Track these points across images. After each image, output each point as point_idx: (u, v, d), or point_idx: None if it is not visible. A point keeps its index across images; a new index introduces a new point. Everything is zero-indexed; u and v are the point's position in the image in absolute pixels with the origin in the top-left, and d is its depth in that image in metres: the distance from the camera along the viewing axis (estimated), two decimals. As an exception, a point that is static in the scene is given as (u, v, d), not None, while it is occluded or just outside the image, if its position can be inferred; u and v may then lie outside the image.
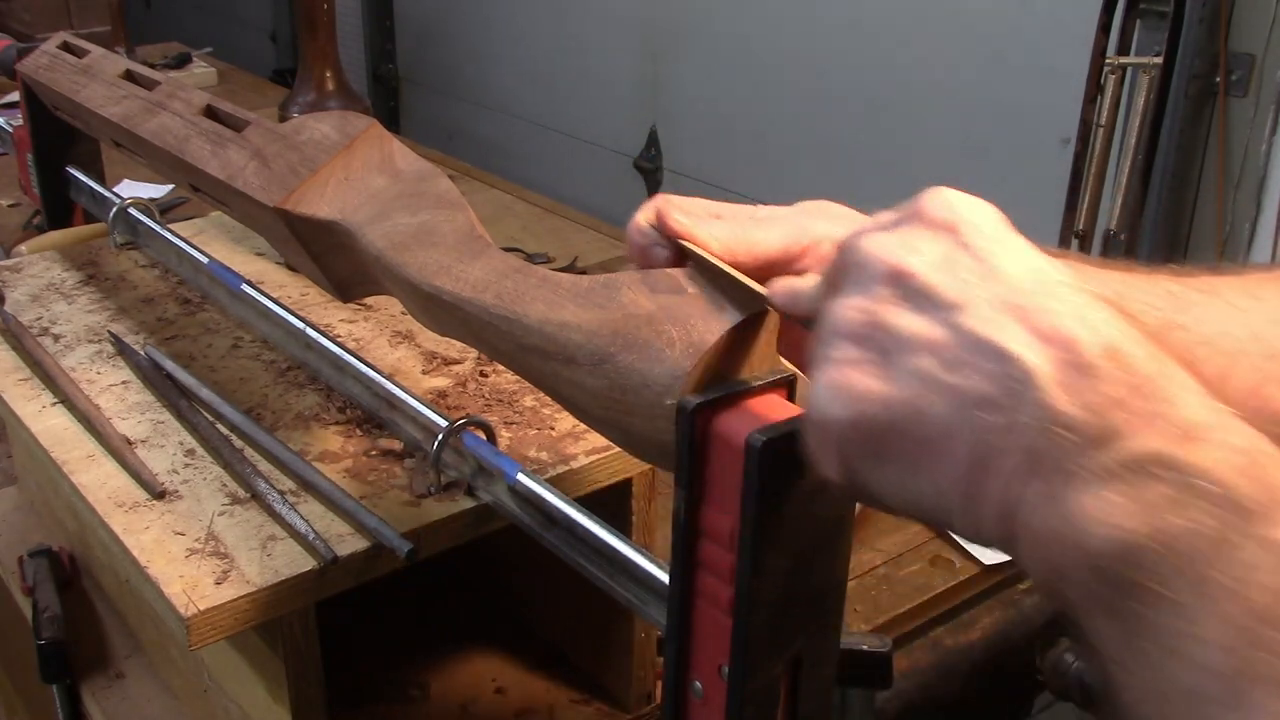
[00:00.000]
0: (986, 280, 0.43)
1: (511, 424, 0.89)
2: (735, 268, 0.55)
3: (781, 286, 0.52)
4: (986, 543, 0.43)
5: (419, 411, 0.83)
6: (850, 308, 0.45)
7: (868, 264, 0.45)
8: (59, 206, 1.37)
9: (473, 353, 1.00)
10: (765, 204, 0.60)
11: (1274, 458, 0.39)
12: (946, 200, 0.46)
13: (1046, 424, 0.40)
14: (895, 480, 0.44)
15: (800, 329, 0.52)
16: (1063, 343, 0.41)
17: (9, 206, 1.96)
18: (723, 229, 0.57)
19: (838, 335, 0.45)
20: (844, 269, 0.47)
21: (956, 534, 0.44)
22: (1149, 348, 0.41)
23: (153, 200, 1.26)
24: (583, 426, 0.84)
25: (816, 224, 0.56)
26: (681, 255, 0.57)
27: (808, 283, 0.51)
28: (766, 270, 0.55)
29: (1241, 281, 0.58)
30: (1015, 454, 0.41)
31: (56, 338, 1.04)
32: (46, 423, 0.92)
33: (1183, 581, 0.37)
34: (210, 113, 0.94)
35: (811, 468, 0.47)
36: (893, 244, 0.45)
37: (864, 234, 0.46)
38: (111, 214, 1.19)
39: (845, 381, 0.44)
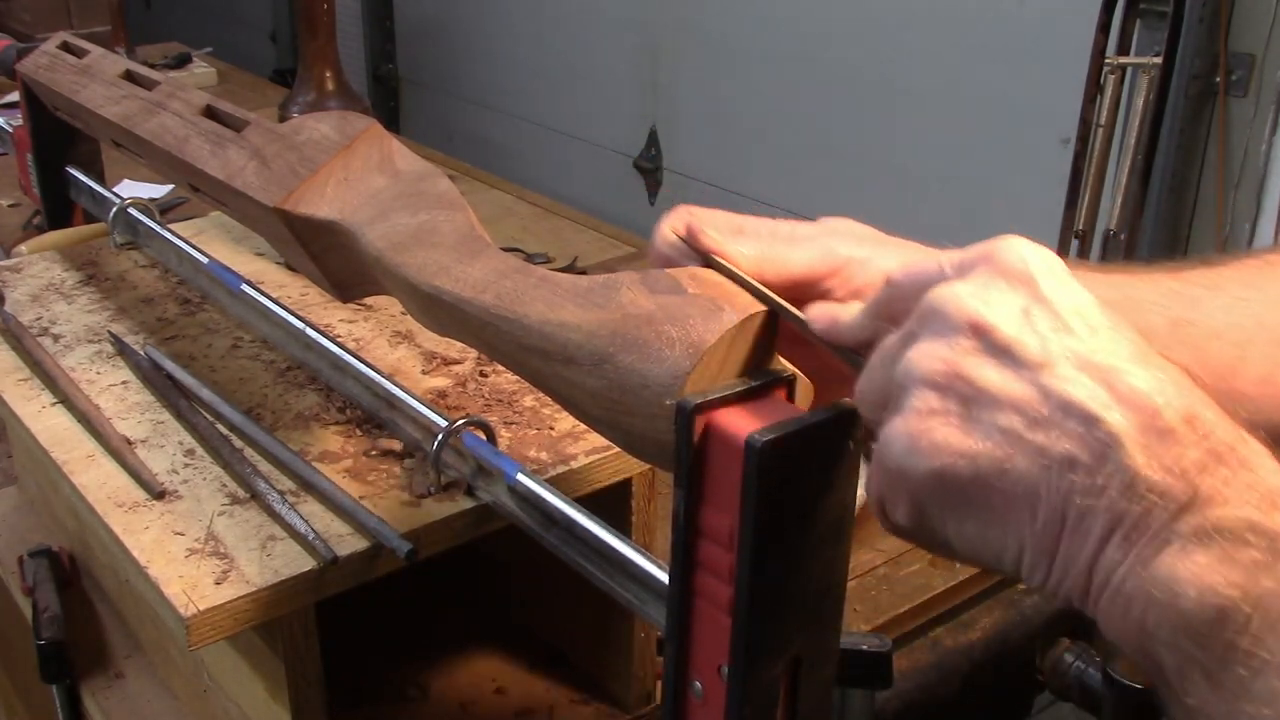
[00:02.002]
0: (1066, 337, 0.43)
1: (511, 424, 0.89)
2: (761, 280, 0.55)
3: (821, 313, 0.52)
4: (1062, 599, 0.43)
5: (419, 411, 0.83)
6: (931, 356, 0.45)
7: (948, 314, 0.45)
8: (59, 206, 1.37)
9: (473, 353, 1.00)
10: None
11: None
12: (1020, 251, 0.46)
13: (1134, 487, 0.40)
14: (970, 533, 0.44)
15: (830, 355, 0.52)
16: (1145, 407, 0.41)
17: (9, 206, 1.96)
18: (752, 247, 0.57)
19: (919, 383, 0.45)
20: (924, 316, 0.46)
21: (1026, 585, 0.45)
22: (1218, 412, 0.42)
23: (153, 200, 1.26)
24: (583, 426, 0.83)
25: (843, 245, 0.57)
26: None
27: (849, 312, 0.51)
28: (793, 290, 0.55)
29: (1240, 273, 0.59)
30: (1101, 516, 0.41)
31: (56, 338, 1.04)
32: (46, 423, 0.92)
33: (1278, 644, 0.38)
34: (210, 113, 0.94)
35: (876, 512, 0.47)
36: (973, 295, 0.45)
37: (942, 282, 0.46)
38: (111, 214, 1.19)
39: (927, 432, 0.44)
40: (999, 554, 0.44)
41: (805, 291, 0.56)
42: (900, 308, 0.48)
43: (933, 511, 0.45)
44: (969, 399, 0.44)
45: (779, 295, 0.55)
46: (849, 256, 0.56)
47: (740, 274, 0.56)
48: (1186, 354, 0.54)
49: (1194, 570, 0.39)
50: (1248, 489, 0.40)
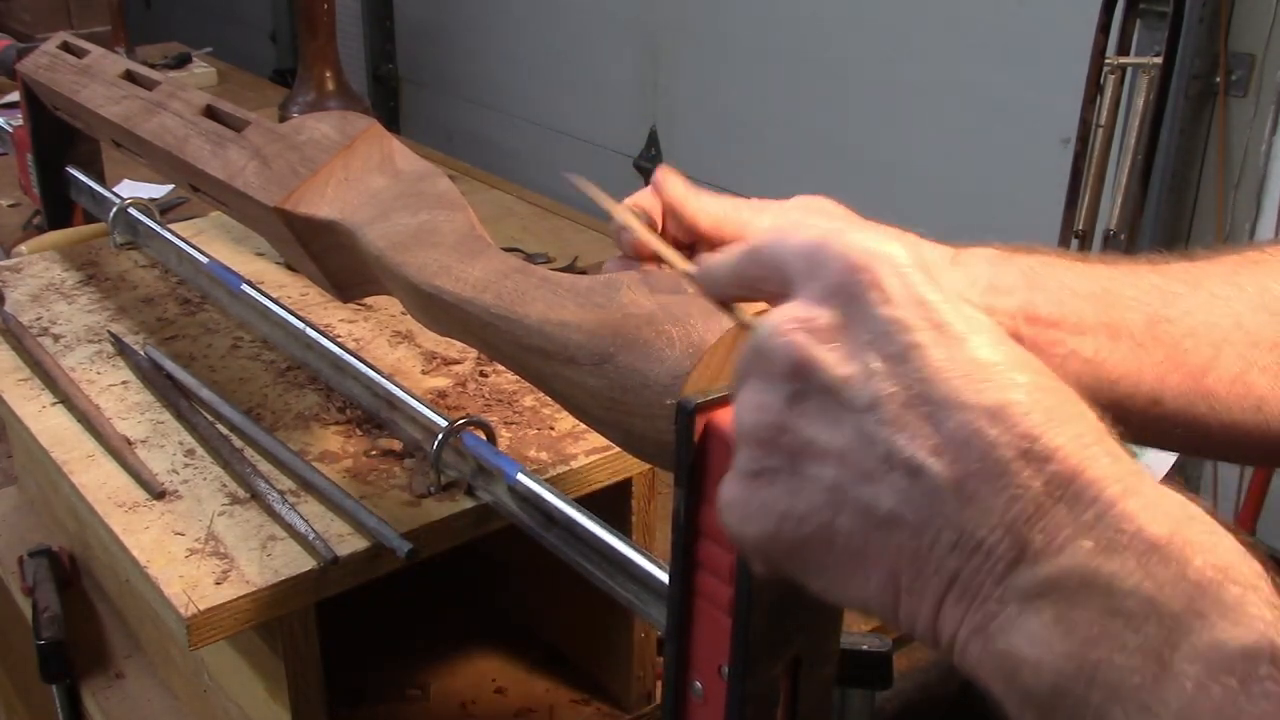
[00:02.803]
0: (896, 367, 0.39)
1: (511, 424, 0.89)
2: (723, 244, 0.53)
3: (703, 265, 0.49)
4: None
5: (419, 411, 0.83)
6: (753, 409, 0.42)
7: (768, 356, 0.42)
8: (59, 206, 1.37)
9: (473, 353, 1.00)
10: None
11: (1203, 537, 0.36)
12: (849, 261, 0.41)
13: (963, 545, 0.37)
14: (823, 589, 0.42)
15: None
16: (977, 449, 0.37)
17: (9, 206, 1.96)
18: (716, 204, 0.57)
19: (745, 440, 0.42)
20: (747, 357, 0.43)
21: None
22: (1076, 424, 0.38)
23: (153, 200, 1.26)
24: (583, 426, 0.83)
25: (810, 219, 0.57)
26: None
27: (718, 261, 0.47)
28: None
29: (1221, 269, 0.58)
30: (934, 578, 0.38)
31: (56, 338, 1.04)
32: (46, 423, 0.92)
33: (1125, 716, 0.34)
34: (210, 113, 0.94)
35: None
36: (793, 329, 0.41)
37: (764, 318, 0.43)
38: (111, 214, 1.19)
39: (755, 493, 0.42)
40: (853, 606, 0.42)
41: None
42: (761, 281, 0.45)
43: (782, 567, 0.42)
44: (796, 453, 0.41)
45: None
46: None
47: (638, 226, 0.56)
48: (1162, 351, 0.54)
49: (1026, 640, 0.36)
50: (1087, 529, 0.36)
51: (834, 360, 0.40)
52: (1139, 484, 0.37)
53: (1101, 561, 0.36)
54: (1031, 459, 0.37)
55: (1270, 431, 0.55)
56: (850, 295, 0.41)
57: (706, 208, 0.57)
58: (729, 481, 0.43)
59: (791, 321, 0.41)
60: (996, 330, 0.40)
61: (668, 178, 0.58)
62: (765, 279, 0.45)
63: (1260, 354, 0.55)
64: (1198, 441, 0.56)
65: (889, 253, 0.41)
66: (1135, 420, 0.54)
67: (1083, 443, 0.37)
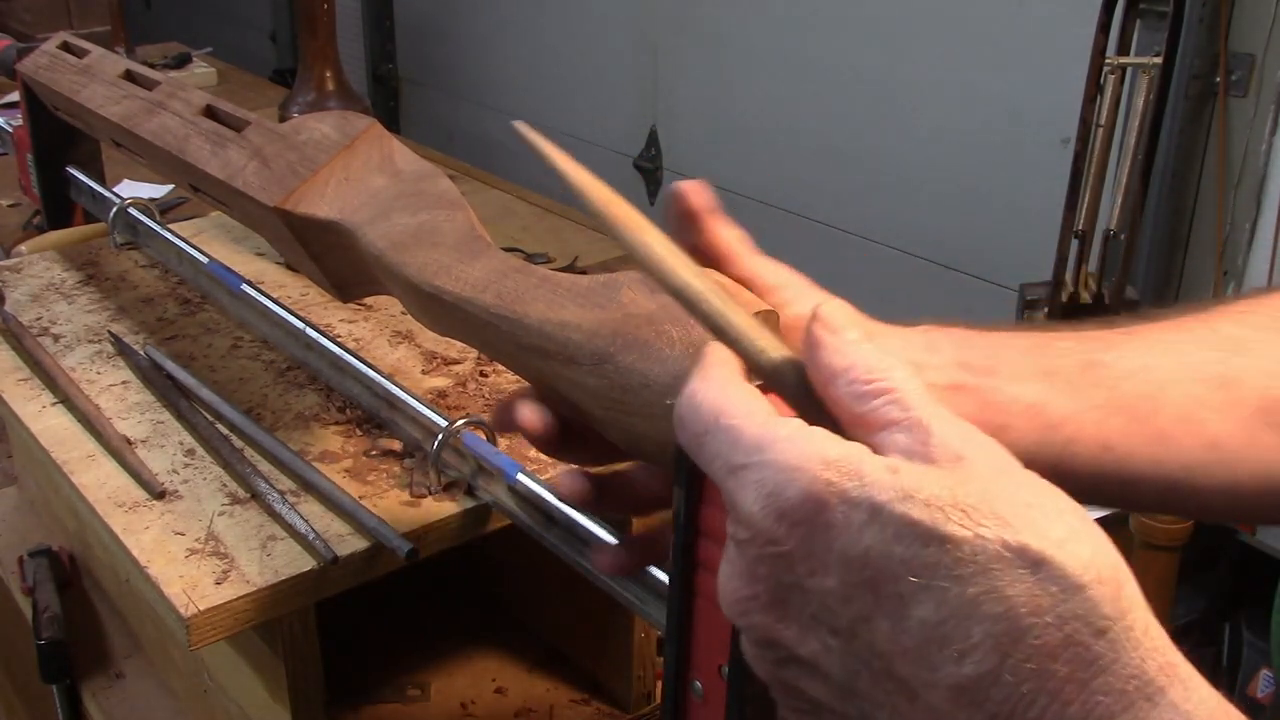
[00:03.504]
0: (850, 644, 0.37)
1: (511, 424, 0.89)
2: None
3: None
4: None
5: (419, 411, 0.83)
6: (760, 669, 0.43)
7: (743, 629, 0.42)
8: (59, 206, 1.37)
9: (473, 353, 1.00)
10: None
11: None
12: (759, 519, 0.38)
13: None
14: None
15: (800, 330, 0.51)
16: (946, 693, 0.35)
17: (9, 206, 1.96)
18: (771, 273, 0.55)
19: (771, 688, 0.43)
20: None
21: None
22: (1059, 661, 0.34)
23: (153, 200, 1.26)
24: (583, 426, 0.83)
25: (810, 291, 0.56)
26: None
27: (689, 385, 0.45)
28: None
29: (1168, 321, 0.57)
30: None
31: (56, 338, 1.04)
32: (46, 423, 0.92)
33: None
34: (210, 113, 0.94)
35: None
36: (743, 612, 0.40)
37: (721, 588, 0.42)
38: (111, 214, 1.19)
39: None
40: None
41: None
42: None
43: None
44: (809, 702, 0.41)
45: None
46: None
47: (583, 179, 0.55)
48: (1100, 394, 0.52)
49: None
50: None
51: (793, 638, 0.39)
52: (1162, 698, 0.34)
53: None
54: (1007, 673, 0.35)
55: (1232, 477, 0.53)
56: (776, 565, 0.38)
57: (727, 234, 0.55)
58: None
59: (738, 603, 0.41)
60: (962, 518, 0.36)
61: (722, 231, 0.55)
62: (693, 450, 0.43)
63: (1208, 392, 0.53)
64: (1164, 494, 0.53)
65: (803, 495, 0.37)
66: (1089, 469, 0.52)
67: (1063, 698, 0.34)
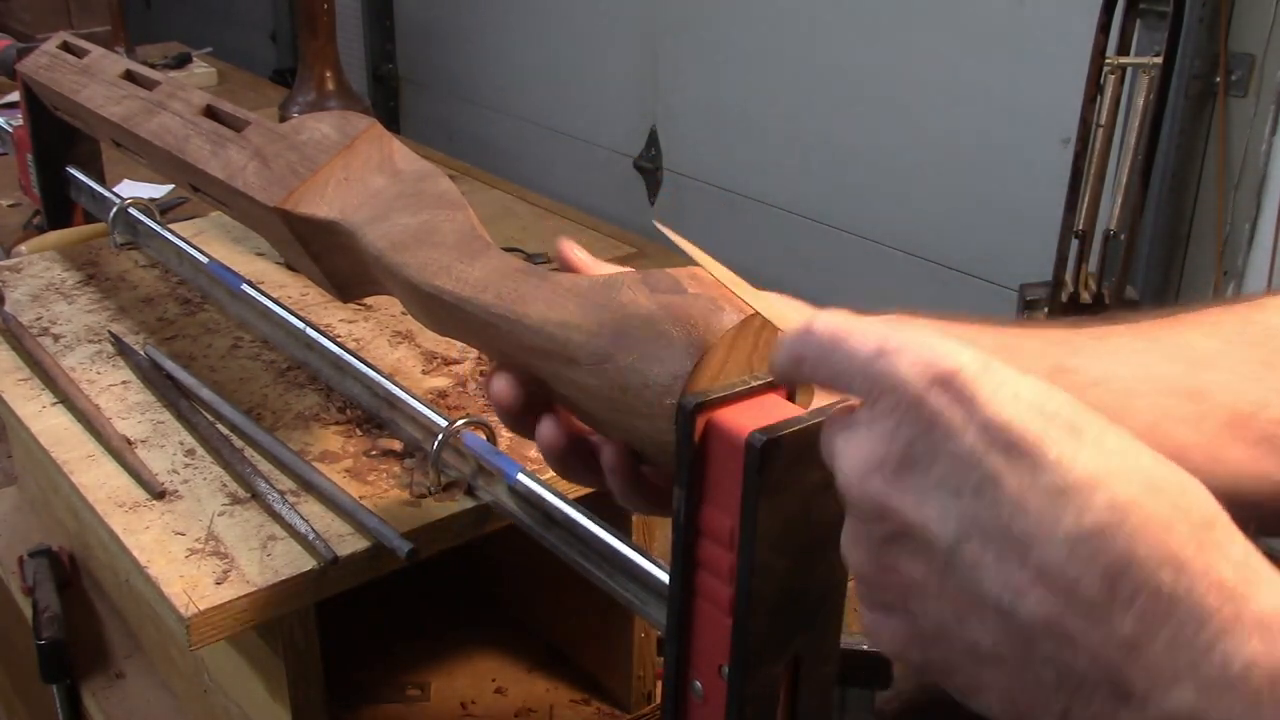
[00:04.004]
0: (974, 503, 0.38)
1: (511, 424, 0.89)
2: None
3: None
4: None
5: (419, 411, 0.83)
6: (857, 550, 0.43)
7: (854, 503, 0.42)
8: (59, 206, 1.37)
9: (473, 353, 1.00)
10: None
11: None
12: (910, 389, 0.40)
13: (1065, 683, 0.37)
14: (964, 699, 0.42)
15: None
16: (1062, 586, 0.36)
17: (9, 206, 1.96)
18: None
19: (859, 579, 0.44)
20: (847, 505, 0.43)
21: None
22: (1172, 535, 0.36)
23: (153, 200, 1.26)
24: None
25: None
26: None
27: (782, 348, 0.47)
28: None
29: (1138, 327, 0.56)
30: (1045, 715, 0.38)
31: (56, 338, 1.04)
32: (46, 423, 0.92)
33: None
34: (210, 113, 0.94)
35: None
36: (868, 475, 0.41)
37: (839, 450, 0.43)
38: (111, 214, 1.19)
39: (882, 622, 0.43)
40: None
41: None
42: (812, 370, 0.45)
43: (931, 678, 0.44)
44: (904, 591, 0.41)
45: None
46: None
47: (720, 270, 0.54)
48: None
49: None
50: (1191, 670, 0.35)
51: (912, 503, 0.40)
52: (1247, 604, 0.35)
53: (1208, 705, 0.34)
54: (1121, 592, 0.36)
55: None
56: (915, 429, 0.40)
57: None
58: (861, 610, 0.44)
59: (865, 465, 0.41)
60: (1078, 424, 0.38)
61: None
62: (816, 370, 0.45)
63: (1176, 403, 0.53)
64: None
65: (946, 371, 0.40)
66: None
67: (1178, 561, 0.35)
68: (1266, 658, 0.34)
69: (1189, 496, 0.37)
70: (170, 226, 1.18)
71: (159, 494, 0.82)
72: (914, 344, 0.41)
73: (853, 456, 0.42)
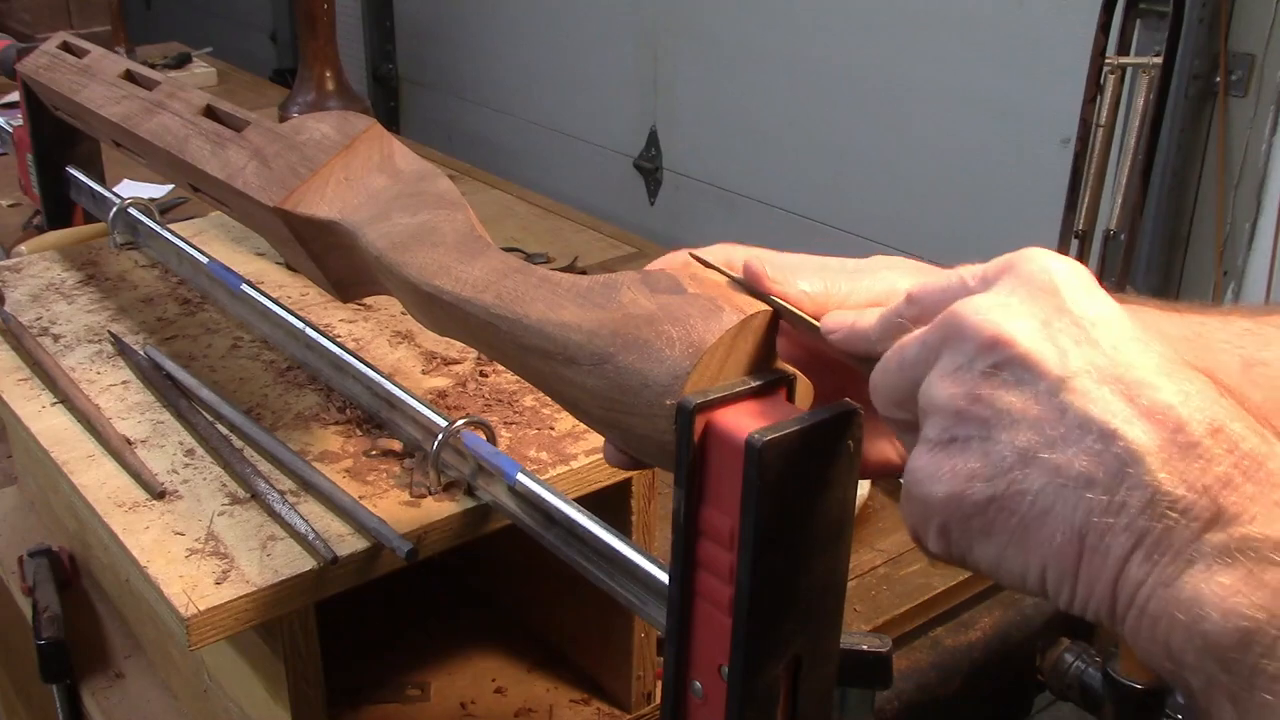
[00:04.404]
0: (1087, 349, 0.42)
1: (511, 424, 0.89)
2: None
3: (838, 322, 0.52)
4: (1092, 619, 0.42)
5: (419, 411, 0.83)
6: (949, 383, 0.44)
7: (965, 329, 0.44)
8: (59, 206, 1.37)
9: (473, 353, 1.00)
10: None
11: None
12: (1043, 262, 0.45)
13: (1156, 505, 0.39)
14: (997, 555, 0.44)
15: (849, 362, 0.52)
16: (1169, 421, 0.40)
17: (9, 206, 1.96)
18: (813, 284, 0.55)
19: (939, 410, 0.45)
20: (943, 329, 0.45)
21: (1061, 608, 0.44)
22: (1250, 422, 0.41)
23: (153, 200, 1.26)
24: (583, 426, 0.84)
25: (903, 279, 0.55)
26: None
27: (865, 320, 0.50)
28: None
29: None
30: (1122, 535, 0.40)
31: (56, 338, 1.04)
32: (46, 423, 0.92)
33: None
34: (210, 113, 0.94)
35: (914, 540, 0.47)
36: (992, 309, 0.44)
37: (961, 300, 0.46)
38: (111, 214, 1.19)
39: (945, 460, 0.44)
40: (1023, 575, 0.43)
41: None
42: (919, 321, 0.48)
43: (957, 536, 0.45)
44: (988, 421, 0.43)
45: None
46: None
47: (780, 302, 0.55)
48: (1259, 394, 0.52)
49: (1218, 591, 0.38)
50: (1276, 506, 0.38)
51: (1029, 336, 0.43)
52: None
53: None
54: (1221, 439, 0.40)
55: None
56: (1043, 290, 0.44)
57: (808, 290, 0.55)
58: (918, 453, 0.46)
59: (991, 304, 0.44)
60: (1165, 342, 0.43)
61: (765, 269, 0.56)
62: (919, 318, 0.48)
63: None
64: None
65: (1072, 264, 0.45)
66: None
67: (1262, 438, 0.40)
68: None
69: (1253, 419, 0.42)
70: (170, 226, 1.18)
71: (159, 494, 0.82)
72: (1045, 250, 0.46)
73: (983, 299, 0.45)
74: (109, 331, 1.05)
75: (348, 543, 0.77)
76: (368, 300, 1.07)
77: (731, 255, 0.58)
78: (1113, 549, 0.40)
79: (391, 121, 3.87)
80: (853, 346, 0.51)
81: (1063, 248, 1.87)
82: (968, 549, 0.45)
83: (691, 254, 0.59)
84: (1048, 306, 0.44)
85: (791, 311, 0.54)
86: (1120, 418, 0.40)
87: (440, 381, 0.96)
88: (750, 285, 0.56)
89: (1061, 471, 0.41)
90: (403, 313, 1.04)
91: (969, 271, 0.47)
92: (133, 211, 1.19)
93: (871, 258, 0.58)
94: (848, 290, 0.55)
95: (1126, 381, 0.41)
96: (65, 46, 1.21)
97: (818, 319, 0.53)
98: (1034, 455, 0.42)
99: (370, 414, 0.91)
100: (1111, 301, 0.44)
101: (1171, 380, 0.41)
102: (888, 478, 0.78)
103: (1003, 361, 0.43)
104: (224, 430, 0.90)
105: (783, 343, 0.56)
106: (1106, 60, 1.92)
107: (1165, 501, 0.39)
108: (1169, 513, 0.39)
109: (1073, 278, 0.44)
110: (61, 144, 1.33)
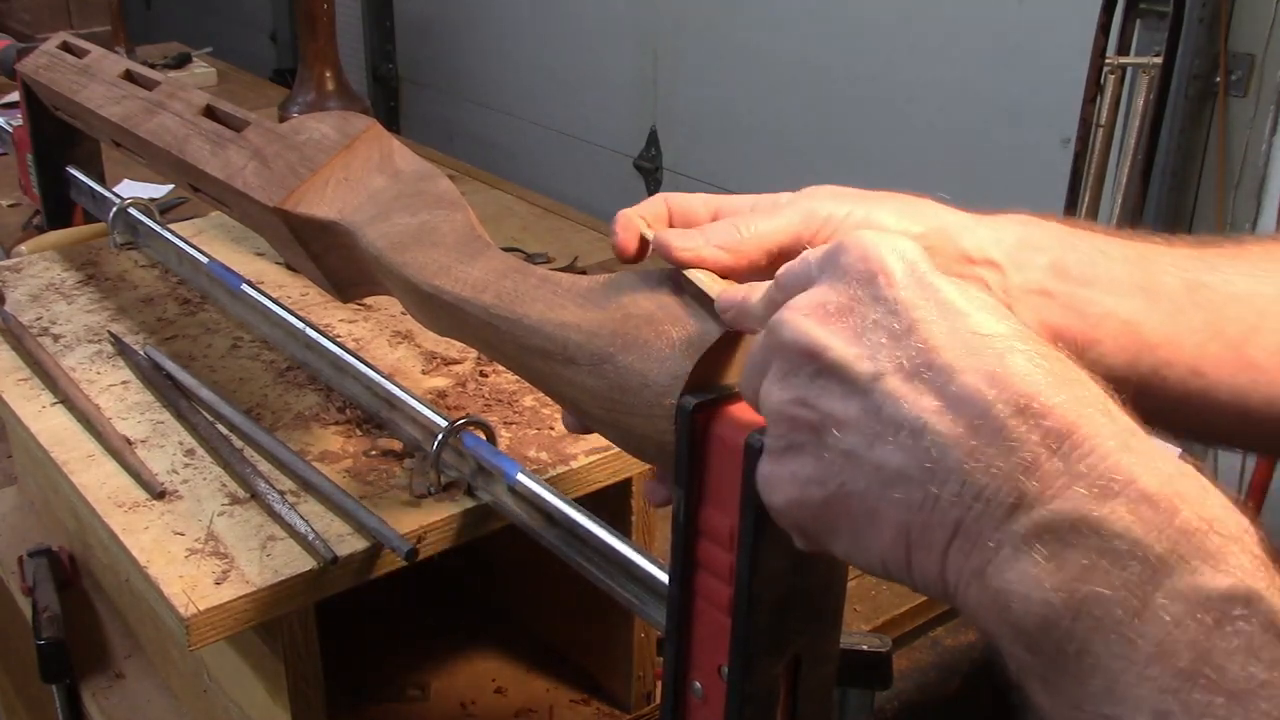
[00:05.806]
0: (900, 342, 0.42)
1: (511, 424, 0.89)
2: (747, 261, 0.55)
3: (730, 300, 0.52)
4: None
5: (419, 411, 0.83)
6: (779, 390, 0.45)
7: (785, 343, 0.45)
8: (59, 206, 1.37)
9: (473, 353, 1.00)
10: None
11: (1193, 492, 0.38)
12: (861, 250, 0.45)
13: (964, 495, 0.40)
14: (846, 551, 0.45)
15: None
16: (974, 407, 0.40)
17: (9, 206, 1.96)
18: (725, 232, 0.56)
19: (773, 419, 0.46)
20: (768, 347, 0.46)
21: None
22: (1074, 387, 0.40)
23: (153, 200, 1.26)
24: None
25: (822, 206, 0.56)
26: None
27: (755, 298, 0.50)
28: (779, 259, 0.54)
29: (1262, 248, 0.57)
30: (939, 529, 0.41)
31: (56, 338, 1.04)
32: (46, 423, 0.92)
33: (1105, 647, 0.37)
34: (210, 113, 0.94)
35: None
36: (807, 314, 0.45)
37: (783, 307, 0.46)
38: (111, 214, 1.19)
39: (783, 466, 0.45)
40: (871, 567, 0.44)
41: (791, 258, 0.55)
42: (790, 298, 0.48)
43: (813, 535, 0.46)
44: (816, 425, 0.44)
45: (761, 269, 0.54)
46: (829, 215, 0.55)
47: (687, 276, 0.55)
48: (1201, 317, 0.53)
49: (1018, 577, 0.38)
50: (1080, 478, 0.38)
51: (842, 340, 0.43)
52: (1134, 441, 0.39)
53: (1093, 507, 0.38)
54: (1028, 416, 0.39)
55: None
56: (859, 280, 0.44)
57: (717, 240, 0.56)
58: (762, 461, 0.47)
59: (804, 308, 0.45)
60: (1000, 307, 0.43)
61: (674, 244, 0.57)
62: (793, 292, 0.48)
63: None
64: (1240, 423, 0.55)
65: (896, 243, 0.45)
66: (1176, 393, 0.54)
67: (1080, 402, 0.40)
68: (1145, 477, 0.38)
69: (1088, 376, 0.42)
70: (170, 226, 1.18)
71: (159, 494, 0.82)
72: (869, 230, 0.46)
73: (794, 302, 0.46)
74: (109, 331, 1.05)
75: (348, 543, 0.77)
76: (368, 300, 1.07)
77: (659, 210, 0.60)
78: (934, 542, 0.41)
79: (391, 121, 3.87)
80: (744, 326, 0.52)
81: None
82: (827, 545, 0.46)
83: (633, 212, 0.60)
84: (864, 298, 0.44)
85: (695, 287, 0.54)
86: (926, 410, 0.41)
87: (440, 381, 0.96)
88: (663, 256, 0.56)
89: (881, 470, 0.42)
90: (403, 313, 1.04)
91: (814, 254, 0.47)
92: (133, 211, 1.19)
93: (803, 189, 0.58)
94: (767, 230, 0.56)
95: (937, 370, 0.41)
96: (65, 46, 1.21)
97: (719, 294, 0.53)
98: (857, 456, 0.43)
99: (370, 414, 0.91)
100: (938, 280, 0.44)
101: (983, 361, 0.41)
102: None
103: (820, 369, 0.44)
104: (224, 430, 0.90)
105: None
106: (1106, 60, 1.91)
107: (971, 491, 0.40)
108: (974, 503, 0.40)
109: (893, 264, 0.44)
110: (61, 144, 1.33)
